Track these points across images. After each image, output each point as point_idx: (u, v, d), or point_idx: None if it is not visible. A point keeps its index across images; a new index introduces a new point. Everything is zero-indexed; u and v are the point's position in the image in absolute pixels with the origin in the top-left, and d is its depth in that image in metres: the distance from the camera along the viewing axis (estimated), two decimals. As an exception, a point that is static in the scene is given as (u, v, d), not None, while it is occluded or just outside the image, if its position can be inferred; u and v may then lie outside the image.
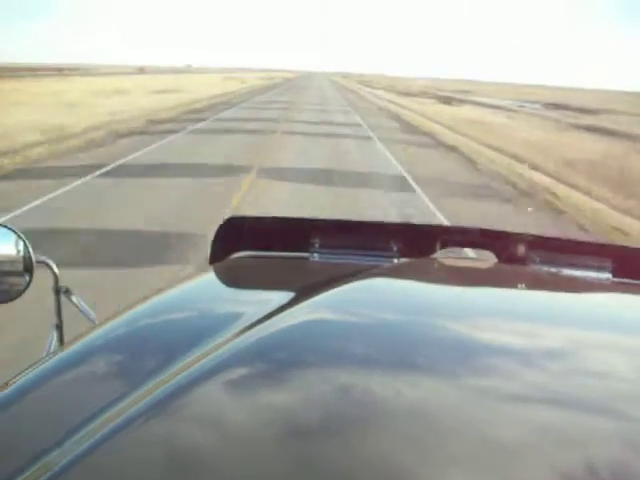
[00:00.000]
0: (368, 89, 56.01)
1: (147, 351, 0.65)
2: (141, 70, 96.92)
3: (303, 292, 0.77)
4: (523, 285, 0.91)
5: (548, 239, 1.07)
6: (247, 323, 0.66)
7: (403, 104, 31.00)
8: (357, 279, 0.82)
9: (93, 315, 0.99)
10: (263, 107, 23.86)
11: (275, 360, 0.61)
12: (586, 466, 0.48)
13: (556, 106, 42.37)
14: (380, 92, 48.35)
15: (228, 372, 0.57)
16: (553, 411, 0.54)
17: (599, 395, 0.58)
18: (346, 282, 0.80)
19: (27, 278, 0.96)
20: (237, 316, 0.69)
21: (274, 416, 0.53)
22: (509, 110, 32.74)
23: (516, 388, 0.58)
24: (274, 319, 0.67)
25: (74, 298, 1.01)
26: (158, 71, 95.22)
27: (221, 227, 1.05)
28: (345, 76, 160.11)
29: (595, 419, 0.54)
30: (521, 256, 1.00)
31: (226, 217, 1.04)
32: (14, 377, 0.60)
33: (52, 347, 0.98)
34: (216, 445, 0.49)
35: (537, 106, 41.48)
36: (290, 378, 0.59)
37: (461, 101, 37.99)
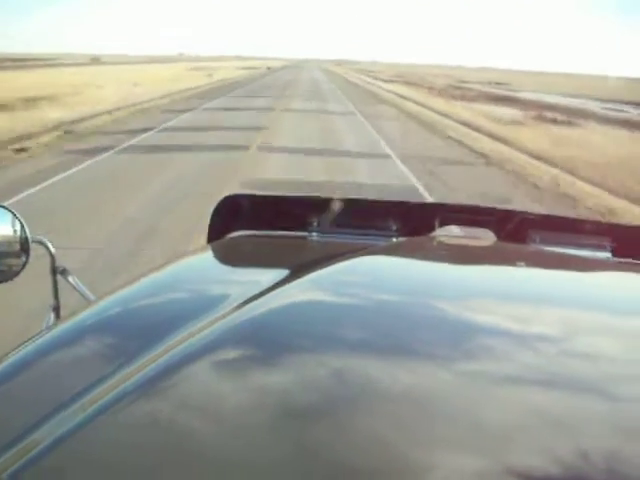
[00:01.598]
0: (379, 83, 48.32)
1: (140, 328, 0.78)
2: (95, 60, 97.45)
3: (299, 271, 0.91)
4: (522, 264, 1.10)
5: (548, 217, 1.32)
6: (240, 302, 0.79)
7: (494, 132, 17.27)
8: (353, 258, 0.97)
9: (90, 295, 1.21)
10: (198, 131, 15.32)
11: (266, 339, 0.73)
12: (580, 449, 0.56)
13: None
14: (401, 89, 38.80)
15: (219, 350, 0.68)
16: (549, 394, 0.64)
17: (597, 378, 0.69)
18: (342, 261, 0.95)
19: (23, 258, 1.21)
20: (231, 295, 0.82)
21: (264, 395, 0.62)
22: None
23: (512, 370, 0.68)
24: (267, 297, 0.80)
25: (71, 278, 1.24)
26: (123, 61, 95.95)
27: (219, 205, 1.30)
28: (339, 63, 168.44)
29: (593, 402, 0.63)
30: (521, 235, 1.23)
31: (223, 196, 1.31)
32: (8, 352, 0.74)
33: None
34: (205, 424, 0.58)
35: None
36: (281, 357, 0.70)
37: (537, 107, 27.23)
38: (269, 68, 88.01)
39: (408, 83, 50.11)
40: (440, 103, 27.05)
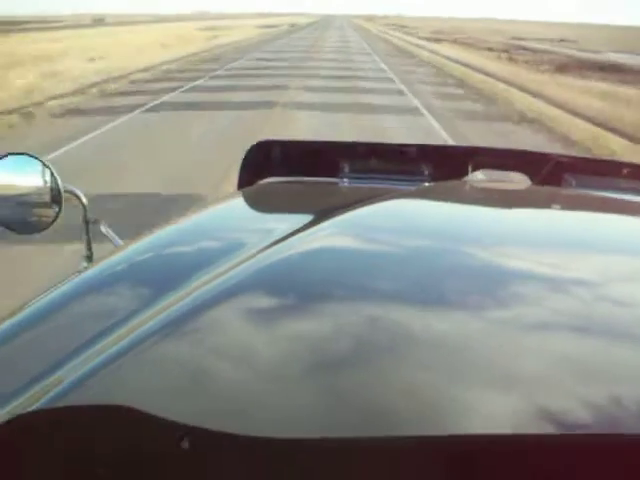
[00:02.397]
0: (425, 44, 39.57)
1: (167, 272, 0.89)
2: (98, 21, 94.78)
3: (327, 216, 0.99)
4: (557, 207, 1.20)
5: (584, 160, 1.45)
6: (265, 245, 0.88)
7: None
8: (383, 201, 1.06)
9: (122, 244, 1.34)
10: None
11: (290, 282, 0.81)
12: (615, 396, 0.61)
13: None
14: (458, 52, 30.78)
15: (243, 293, 0.77)
16: (585, 340, 0.70)
17: (630, 324, 0.74)
18: (371, 204, 1.03)
19: (56, 209, 1.35)
20: (258, 240, 0.92)
21: (288, 338, 0.69)
22: None
23: (547, 316, 0.74)
24: (292, 240, 0.89)
25: (103, 228, 1.38)
26: (130, 21, 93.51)
27: (249, 151, 1.44)
28: (369, 18, 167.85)
29: (629, 349, 0.69)
30: (556, 178, 1.34)
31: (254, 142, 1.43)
32: (40, 294, 0.86)
33: None
34: (227, 365, 0.65)
35: None
36: (305, 300, 0.78)
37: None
38: (292, 26, 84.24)
39: (458, 43, 43.25)
40: (533, 78, 19.53)
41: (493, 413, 0.58)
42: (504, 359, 0.65)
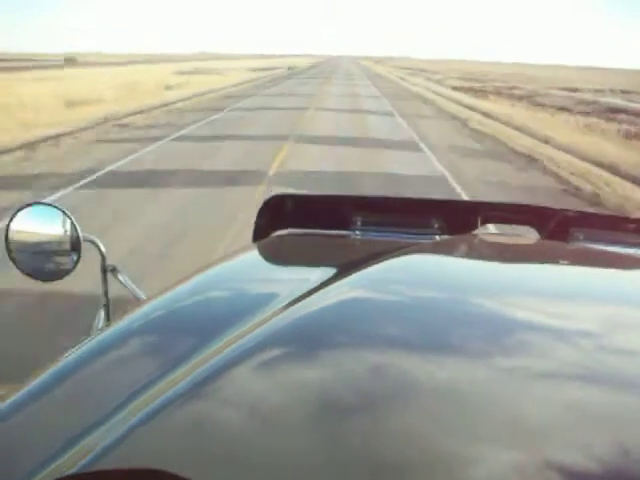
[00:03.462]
0: (465, 99, 32.60)
1: (190, 329, 0.96)
2: (69, 61, 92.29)
3: (343, 270, 1.10)
4: (566, 262, 1.32)
5: (592, 215, 1.55)
6: (286, 301, 0.96)
7: None
8: (396, 256, 1.16)
9: (140, 293, 1.48)
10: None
11: (315, 339, 0.88)
12: (620, 447, 0.67)
13: None
14: (532, 120, 22.77)
15: (269, 351, 0.84)
16: (590, 391, 0.77)
17: (636, 376, 0.81)
18: (386, 259, 1.13)
19: (74, 257, 1.50)
20: (279, 294, 1.01)
21: (311, 396, 0.75)
22: None
23: (554, 368, 0.82)
24: (314, 297, 0.97)
25: (121, 277, 1.52)
26: (106, 61, 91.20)
27: (265, 205, 1.58)
28: (378, 61, 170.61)
29: (633, 400, 0.76)
30: (564, 232, 1.47)
31: (269, 196, 1.54)
32: (63, 354, 0.92)
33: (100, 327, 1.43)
34: (256, 426, 0.71)
35: None
36: (327, 358, 0.85)
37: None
38: (290, 69, 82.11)
39: (509, 97, 35.98)
40: None
41: (499, 465, 0.64)
42: (513, 410, 0.73)
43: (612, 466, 0.65)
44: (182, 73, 52.40)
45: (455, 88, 44.90)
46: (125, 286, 1.56)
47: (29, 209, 1.56)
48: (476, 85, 48.68)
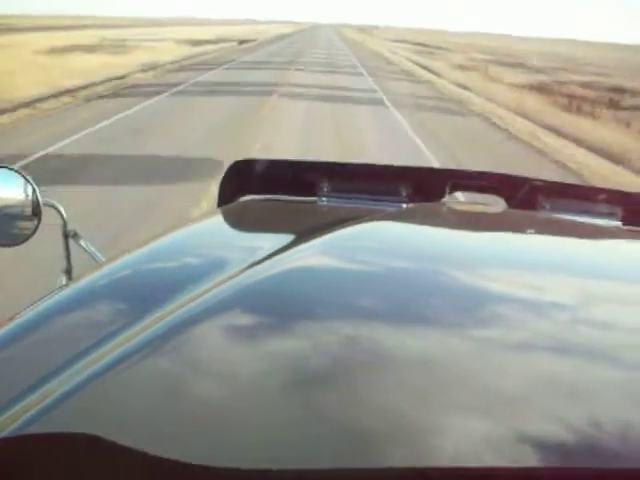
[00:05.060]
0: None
1: (147, 290, 0.96)
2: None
3: (307, 235, 1.09)
4: (532, 231, 1.33)
5: (559, 185, 1.57)
6: (246, 265, 0.96)
7: None
8: (362, 223, 1.16)
9: (101, 258, 1.47)
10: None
11: (271, 302, 0.88)
12: (591, 417, 0.67)
13: None
14: None
15: (223, 312, 0.84)
16: (558, 361, 0.77)
17: (606, 346, 0.81)
18: (350, 226, 1.13)
19: (35, 222, 1.49)
20: (239, 258, 1.00)
21: (266, 357, 0.76)
22: None
23: (522, 337, 0.82)
24: (273, 261, 0.97)
25: (82, 242, 1.52)
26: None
27: (229, 170, 1.58)
28: (362, 29, 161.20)
29: (601, 370, 0.76)
30: (531, 202, 1.48)
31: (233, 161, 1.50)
32: (19, 312, 0.92)
33: None
34: (206, 383, 0.71)
35: None
36: (285, 321, 0.85)
37: None
38: (242, 42, 54.96)
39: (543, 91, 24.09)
40: None
41: (470, 434, 0.64)
42: (481, 380, 0.73)
43: (585, 438, 0.65)
44: (54, 51, 31.94)
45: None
46: (86, 251, 1.55)
47: None
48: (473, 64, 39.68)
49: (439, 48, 64.30)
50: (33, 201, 1.53)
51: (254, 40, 62.68)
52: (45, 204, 1.53)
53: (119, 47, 38.09)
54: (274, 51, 46.84)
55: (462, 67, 37.44)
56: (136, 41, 44.66)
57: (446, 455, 0.61)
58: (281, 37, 77.66)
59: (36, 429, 0.64)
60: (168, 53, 35.07)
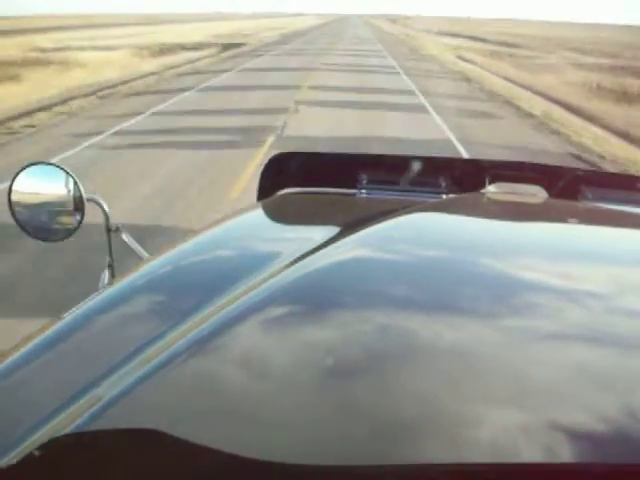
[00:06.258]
0: None
1: (193, 287, 0.97)
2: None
3: (348, 228, 1.10)
4: (574, 221, 1.33)
5: (601, 174, 1.56)
6: (290, 259, 0.97)
7: None
8: (403, 215, 1.17)
9: (143, 252, 1.50)
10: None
11: (317, 297, 0.90)
12: (626, 408, 0.67)
13: None
14: None
15: (271, 308, 0.84)
16: (597, 352, 0.78)
17: None
18: (391, 218, 1.14)
19: (78, 217, 1.51)
20: (282, 252, 1.01)
21: (316, 353, 0.76)
22: None
23: (560, 328, 0.83)
24: (317, 255, 0.98)
25: (124, 236, 1.55)
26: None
27: (269, 163, 1.59)
28: (394, 20, 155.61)
29: (638, 363, 0.77)
30: (573, 192, 1.47)
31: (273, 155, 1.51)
32: (69, 310, 0.93)
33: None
34: (257, 382, 0.72)
35: None
36: (332, 315, 0.86)
37: None
38: (228, 48, 37.42)
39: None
40: None
41: (505, 424, 0.65)
42: (517, 370, 0.74)
43: (617, 428, 0.65)
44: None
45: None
46: (129, 245, 1.58)
47: (31, 169, 1.57)
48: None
49: (507, 45, 47.29)
50: (75, 196, 1.55)
51: (244, 44, 42.76)
52: (88, 199, 1.55)
53: (40, 63, 25.65)
54: (266, 65, 28.37)
55: (600, 89, 21.09)
56: (77, 50, 32.57)
57: (481, 446, 0.62)
58: (298, 34, 62.00)
59: (94, 427, 0.65)
60: (97, 73, 22.80)
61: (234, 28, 66.83)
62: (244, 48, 40.25)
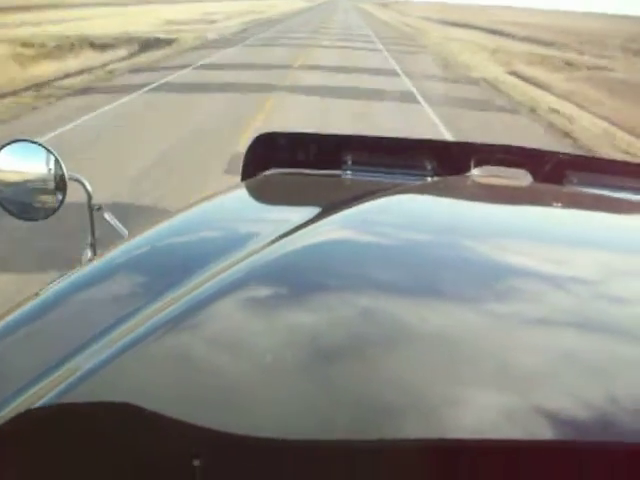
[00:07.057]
0: None
1: (172, 265, 0.97)
2: None
3: (331, 209, 1.09)
4: (559, 205, 1.33)
5: (586, 158, 1.56)
6: (269, 239, 0.97)
7: None
8: (387, 196, 1.17)
9: (125, 232, 1.49)
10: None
11: (296, 276, 0.90)
12: (610, 394, 0.67)
13: None
14: None
15: (248, 287, 0.85)
16: (581, 337, 0.78)
17: (630, 322, 0.82)
18: (375, 199, 1.14)
19: (60, 196, 1.50)
20: (264, 232, 1.01)
21: (291, 332, 0.76)
22: None
23: (544, 312, 0.82)
24: (298, 235, 0.97)
25: (107, 215, 1.54)
26: None
27: (253, 143, 1.58)
28: (385, 5, 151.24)
29: (625, 347, 0.76)
30: (558, 176, 1.48)
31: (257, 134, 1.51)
32: (45, 286, 0.94)
33: None
34: (231, 360, 0.72)
35: None
36: (309, 294, 0.86)
37: None
38: (145, 48, 21.80)
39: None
40: None
41: (489, 408, 0.65)
42: (501, 354, 0.73)
43: (602, 414, 0.66)
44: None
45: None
46: (111, 225, 1.57)
47: (12, 146, 1.54)
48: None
49: (544, 44, 36.36)
50: (57, 175, 1.53)
51: (173, 41, 26.57)
52: (70, 178, 1.54)
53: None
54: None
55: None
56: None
57: (463, 428, 0.62)
58: (265, 22, 45.80)
59: (70, 398, 0.65)
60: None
61: (199, 12, 50.38)
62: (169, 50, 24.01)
